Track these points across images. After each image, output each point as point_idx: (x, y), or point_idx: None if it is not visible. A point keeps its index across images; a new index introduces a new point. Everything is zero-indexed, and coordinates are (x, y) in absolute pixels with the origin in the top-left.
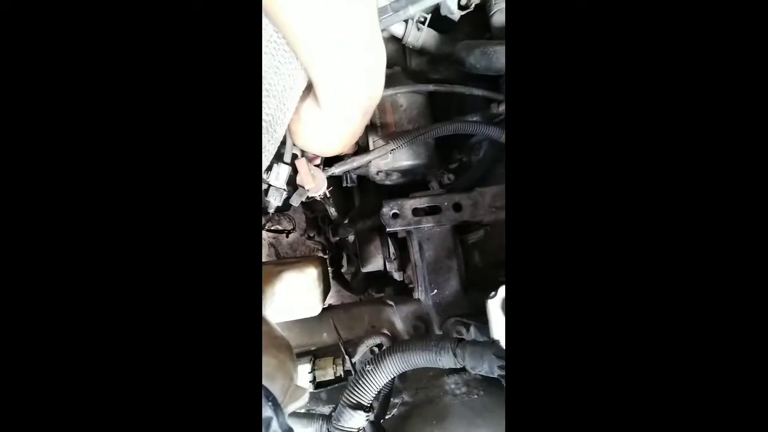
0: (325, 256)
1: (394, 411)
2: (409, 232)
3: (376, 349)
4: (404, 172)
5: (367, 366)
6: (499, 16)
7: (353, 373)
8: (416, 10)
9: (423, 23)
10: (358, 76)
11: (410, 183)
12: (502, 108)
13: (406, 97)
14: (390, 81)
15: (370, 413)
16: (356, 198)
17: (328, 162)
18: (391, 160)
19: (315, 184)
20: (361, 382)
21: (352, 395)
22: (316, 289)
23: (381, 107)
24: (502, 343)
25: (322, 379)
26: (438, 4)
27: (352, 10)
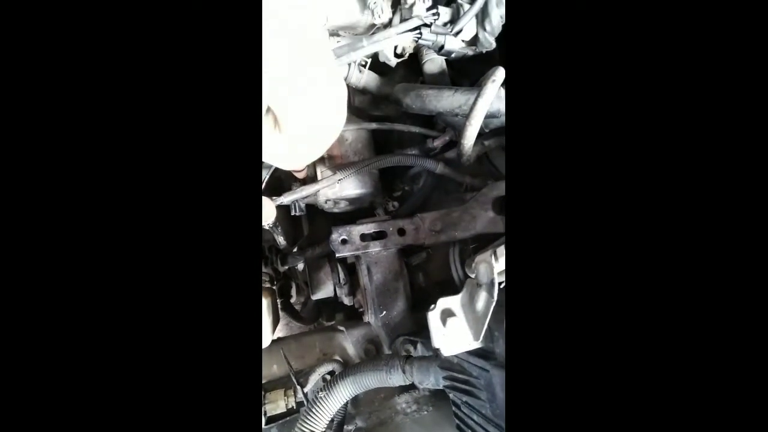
0: (273, 287)
1: None
2: (357, 257)
3: (328, 377)
4: (351, 200)
5: (320, 393)
6: (429, 64)
7: (306, 403)
8: (358, 56)
9: (364, 66)
10: (318, 107)
11: (357, 211)
12: (436, 143)
13: (351, 131)
14: None
15: None
16: (305, 226)
17: (277, 191)
18: (338, 189)
19: (264, 213)
20: (313, 410)
21: (305, 425)
22: (266, 321)
23: None
24: (443, 352)
25: (274, 412)
26: (376, 52)
27: (314, 47)
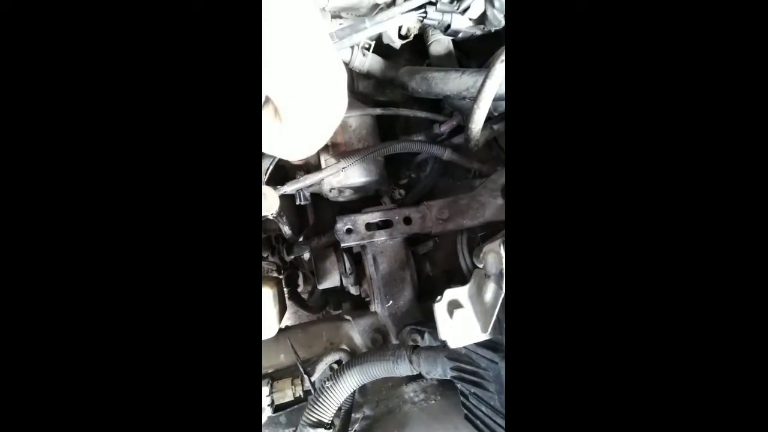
0: (280, 277)
1: (356, 426)
2: (363, 247)
3: (335, 366)
4: (356, 188)
5: (326, 382)
6: (435, 45)
7: (313, 392)
8: (360, 38)
9: (368, 49)
10: (318, 95)
11: (363, 199)
12: (443, 128)
13: (355, 118)
14: None
15: (332, 430)
16: (310, 216)
17: (280, 181)
18: (343, 177)
19: (266, 203)
20: (320, 399)
21: (312, 414)
22: (271, 310)
23: None
24: (449, 344)
25: (281, 401)
26: (380, 33)
27: (309, 33)
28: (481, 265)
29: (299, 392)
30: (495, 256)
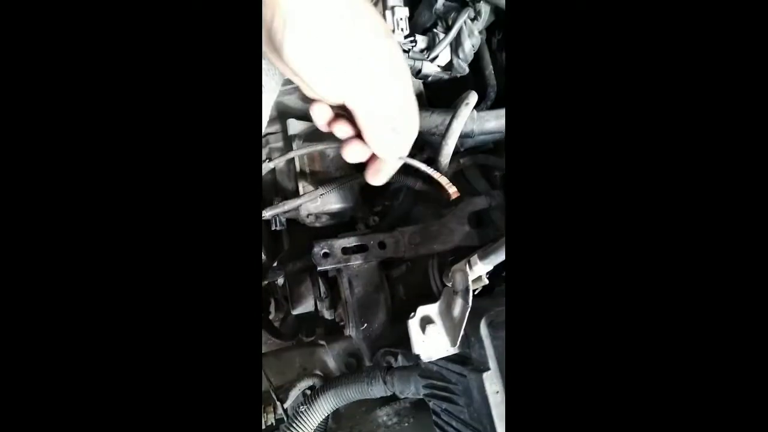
0: None
1: None
2: (339, 270)
3: (308, 392)
4: (333, 214)
5: (300, 407)
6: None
7: (285, 419)
8: None
9: None
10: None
11: (338, 225)
12: None
13: (334, 149)
14: (319, 136)
15: None
16: (285, 241)
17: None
18: (320, 203)
19: None
20: (294, 424)
21: None
22: None
23: (310, 156)
24: (422, 357)
25: None
26: None
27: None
28: (450, 284)
29: (271, 420)
30: (462, 274)
